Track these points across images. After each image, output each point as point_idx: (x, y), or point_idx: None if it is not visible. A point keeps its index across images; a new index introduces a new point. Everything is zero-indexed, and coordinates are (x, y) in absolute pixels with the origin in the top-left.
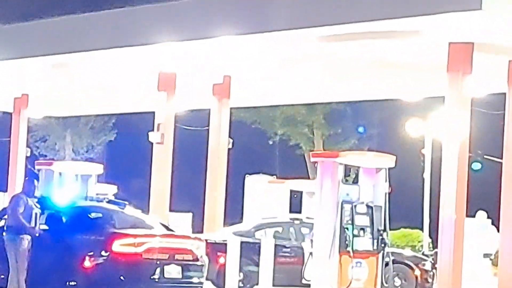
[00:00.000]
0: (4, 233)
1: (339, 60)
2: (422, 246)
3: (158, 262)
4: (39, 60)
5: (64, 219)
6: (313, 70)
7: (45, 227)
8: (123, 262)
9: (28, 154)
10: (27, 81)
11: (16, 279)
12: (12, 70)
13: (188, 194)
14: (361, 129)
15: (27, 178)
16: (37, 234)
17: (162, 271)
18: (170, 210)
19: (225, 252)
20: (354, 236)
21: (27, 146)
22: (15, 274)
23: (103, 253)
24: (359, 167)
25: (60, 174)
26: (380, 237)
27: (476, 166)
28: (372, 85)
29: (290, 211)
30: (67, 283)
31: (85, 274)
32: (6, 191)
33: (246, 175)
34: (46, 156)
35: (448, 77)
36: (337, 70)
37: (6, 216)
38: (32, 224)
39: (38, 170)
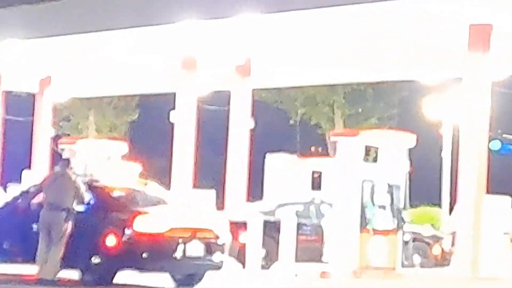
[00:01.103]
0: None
1: (360, 41)
2: (441, 224)
3: (180, 240)
4: (63, 40)
5: (87, 198)
6: (334, 51)
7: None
8: (146, 240)
9: (53, 134)
10: (51, 62)
11: (46, 255)
12: (36, 51)
13: (210, 172)
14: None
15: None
16: (72, 213)
17: (184, 249)
18: (193, 187)
19: (247, 229)
20: (374, 214)
21: (51, 126)
22: (45, 249)
23: (126, 230)
24: (379, 146)
25: (84, 153)
26: (400, 215)
27: (496, 145)
28: (392, 66)
29: (311, 190)
30: (91, 260)
31: (107, 252)
32: (30, 169)
33: (267, 154)
34: (69, 135)
35: (467, 57)
36: (358, 51)
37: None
38: (67, 202)
39: (62, 149)
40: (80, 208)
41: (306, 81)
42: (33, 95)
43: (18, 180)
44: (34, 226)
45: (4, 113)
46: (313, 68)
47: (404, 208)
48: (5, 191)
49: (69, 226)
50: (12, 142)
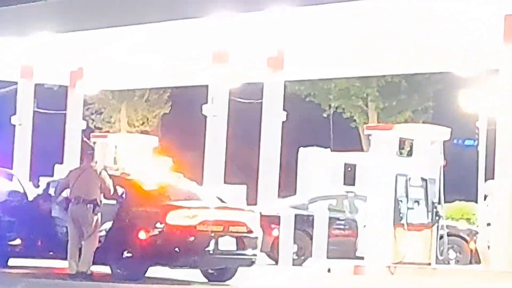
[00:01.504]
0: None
1: (393, 33)
2: (477, 219)
3: (212, 234)
4: (95, 33)
5: (119, 191)
6: (368, 42)
7: (103, 199)
8: (178, 234)
9: (84, 127)
10: (83, 54)
11: (76, 249)
12: (68, 44)
13: (242, 166)
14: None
15: (89, 152)
16: (99, 206)
17: (216, 243)
18: (225, 183)
19: (279, 224)
20: (408, 208)
21: (83, 119)
22: (75, 243)
23: (157, 225)
24: (413, 139)
25: (115, 146)
26: (435, 210)
27: None
28: (427, 58)
29: (344, 184)
30: (123, 254)
31: (140, 246)
32: (62, 163)
33: (300, 148)
34: (101, 128)
35: (504, 48)
36: (392, 42)
37: (67, 188)
38: (93, 195)
39: (94, 143)
40: (111, 202)
41: (339, 73)
42: (65, 88)
43: (50, 174)
44: (63, 220)
45: (36, 106)
46: (346, 60)
47: (439, 202)
48: (37, 185)
49: (97, 219)
50: (44, 136)
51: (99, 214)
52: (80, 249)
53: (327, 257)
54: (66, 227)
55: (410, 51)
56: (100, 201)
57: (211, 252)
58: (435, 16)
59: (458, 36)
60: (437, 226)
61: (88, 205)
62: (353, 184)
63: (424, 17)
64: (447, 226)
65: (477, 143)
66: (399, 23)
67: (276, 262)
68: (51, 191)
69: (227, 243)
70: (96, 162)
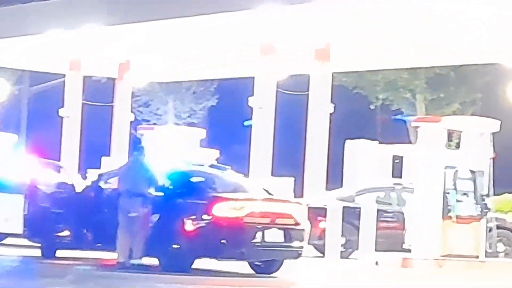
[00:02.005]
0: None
1: (442, 24)
2: None
3: (259, 226)
4: (142, 26)
5: (166, 184)
6: (415, 34)
7: (151, 191)
8: (225, 226)
9: (132, 119)
10: (130, 47)
11: (126, 241)
12: (115, 36)
13: (289, 159)
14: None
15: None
16: (147, 199)
17: (263, 235)
18: (272, 175)
19: (326, 217)
20: (457, 201)
21: (131, 111)
22: (125, 235)
23: (204, 217)
24: (462, 131)
25: (163, 138)
26: (483, 202)
27: None
28: (475, 49)
29: (392, 176)
30: (170, 246)
31: (187, 238)
32: (109, 155)
33: (347, 140)
34: (149, 121)
35: None
36: (439, 33)
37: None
38: (143, 188)
39: (141, 135)
40: (159, 194)
41: (387, 65)
42: (113, 80)
43: (98, 166)
44: (111, 212)
45: (84, 98)
46: (393, 51)
47: (488, 195)
48: (85, 177)
49: (147, 212)
50: (91, 128)
51: (147, 208)
52: (130, 241)
53: (375, 250)
54: (114, 219)
55: (458, 42)
56: (150, 195)
57: (258, 244)
58: (484, 7)
59: (506, 27)
60: (486, 219)
61: (138, 199)
62: (401, 177)
63: (473, 8)
64: (496, 219)
65: None
66: (448, 14)
67: (323, 255)
68: (101, 183)
69: (274, 235)
70: (146, 155)
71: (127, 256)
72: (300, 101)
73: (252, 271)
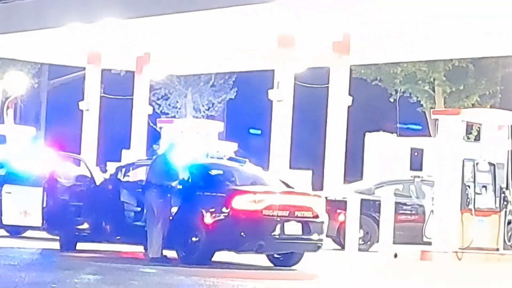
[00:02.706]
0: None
1: (460, 15)
2: None
3: (278, 219)
4: (161, 19)
5: (185, 177)
6: (433, 25)
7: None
8: (244, 218)
9: (150, 112)
10: (149, 40)
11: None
12: (134, 29)
13: (308, 151)
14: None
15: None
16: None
17: (282, 228)
18: (290, 168)
19: (345, 209)
20: (476, 193)
21: (149, 104)
22: (153, 227)
23: (223, 209)
24: (481, 124)
25: (181, 131)
26: (503, 195)
27: None
28: (494, 41)
29: (411, 169)
30: (190, 239)
31: (206, 231)
32: (129, 148)
33: (366, 133)
34: (167, 114)
35: None
36: (458, 25)
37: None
38: (165, 181)
39: (160, 128)
40: (179, 187)
41: (406, 57)
42: (132, 73)
43: (117, 159)
44: (130, 205)
45: (103, 91)
46: (412, 44)
47: (507, 187)
48: (105, 170)
49: (169, 204)
50: (111, 121)
51: (169, 201)
52: (152, 233)
53: (394, 242)
54: (134, 212)
55: (477, 34)
56: (172, 188)
57: (277, 236)
58: None
59: None
60: (505, 212)
61: (160, 192)
62: (420, 169)
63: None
64: None
65: None
66: (466, 5)
67: (342, 247)
68: (119, 176)
69: (293, 228)
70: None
71: (151, 249)
72: (319, 93)
73: (271, 264)
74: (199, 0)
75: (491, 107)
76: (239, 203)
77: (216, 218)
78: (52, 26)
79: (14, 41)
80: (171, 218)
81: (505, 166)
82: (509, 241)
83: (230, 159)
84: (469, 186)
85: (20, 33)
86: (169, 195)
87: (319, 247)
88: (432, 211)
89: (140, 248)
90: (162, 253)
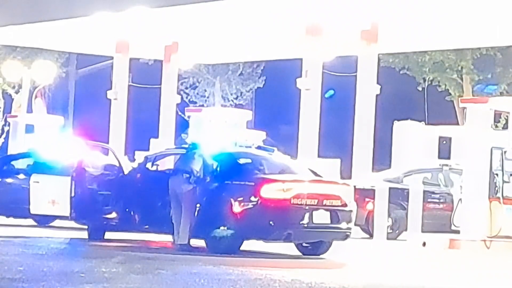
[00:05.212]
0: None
1: (488, 4)
2: None
3: (306, 208)
4: (189, 8)
5: (213, 166)
6: (462, 14)
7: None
8: (272, 207)
9: (179, 101)
10: (177, 29)
11: (184, 220)
12: (163, 18)
13: (336, 140)
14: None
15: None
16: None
17: (310, 217)
18: (318, 156)
19: (374, 198)
20: (504, 182)
21: (178, 93)
22: (175, 217)
23: (252, 198)
24: (509, 112)
25: (210, 120)
26: None
27: None
28: None
29: (439, 157)
30: (218, 228)
31: (234, 219)
32: (157, 137)
33: (395, 121)
34: (195, 103)
35: None
36: (486, 14)
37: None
38: (192, 170)
39: (188, 117)
40: (207, 176)
41: (434, 45)
42: (160, 62)
43: (146, 148)
44: (159, 194)
45: (131, 80)
46: (440, 32)
47: None
48: (133, 159)
49: (196, 193)
50: (139, 110)
51: (197, 189)
52: (179, 221)
53: (422, 231)
54: (162, 201)
55: (505, 23)
56: (199, 177)
57: (305, 225)
58: None
59: None
60: None
61: (187, 180)
62: (448, 158)
63: None
64: None
65: None
66: None
67: (371, 236)
68: (148, 165)
69: (322, 217)
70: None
71: (177, 238)
72: (347, 82)
73: (299, 253)
74: None
75: None
76: (268, 191)
77: (245, 207)
78: (80, 15)
79: (43, 31)
80: (199, 206)
81: None
82: None
83: (259, 147)
84: (497, 175)
85: (48, 22)
86: (196, 184)
87: (347, 236)
88: (460, 199)
89: (168, 238)
90: (189, 241)
